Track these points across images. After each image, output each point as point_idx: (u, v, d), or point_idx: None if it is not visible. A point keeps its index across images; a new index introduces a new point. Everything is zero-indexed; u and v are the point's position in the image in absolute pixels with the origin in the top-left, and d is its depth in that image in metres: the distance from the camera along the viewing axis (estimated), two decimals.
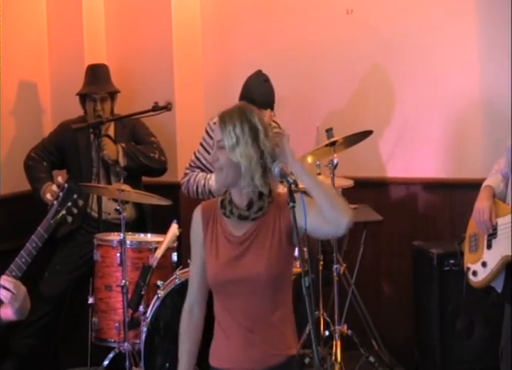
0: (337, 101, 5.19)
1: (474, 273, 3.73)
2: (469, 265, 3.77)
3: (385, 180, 5.15)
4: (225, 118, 2.82)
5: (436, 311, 4.50)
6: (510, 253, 3.54)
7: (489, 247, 3.66)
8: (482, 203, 3.70)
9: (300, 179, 2.75)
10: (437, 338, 4.50)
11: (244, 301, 2.80)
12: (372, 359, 4.54)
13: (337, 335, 4.43)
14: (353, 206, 4.77)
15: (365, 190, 5.02)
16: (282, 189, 3.99)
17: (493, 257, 3.62)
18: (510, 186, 3.70)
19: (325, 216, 2.73)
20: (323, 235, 2.99)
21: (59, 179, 3.00)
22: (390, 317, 5.10)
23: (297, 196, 2.71)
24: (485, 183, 3.78)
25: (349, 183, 4.62)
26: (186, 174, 4.51)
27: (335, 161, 4.39)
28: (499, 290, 3.67)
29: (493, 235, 3.65)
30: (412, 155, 5.06)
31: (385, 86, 5.10)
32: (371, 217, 4.79)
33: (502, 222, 3.62)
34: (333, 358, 4.40)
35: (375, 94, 5.15)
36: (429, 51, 4.97)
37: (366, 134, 4.61)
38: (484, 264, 3.66)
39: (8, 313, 2.93)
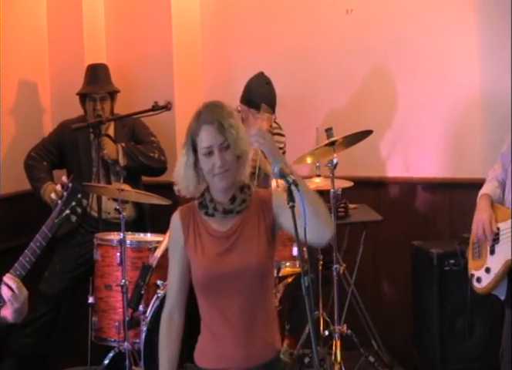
0: (337, 101, 5.20)
1: (478, 279, 3.72)
2: (473, 272, 3.76)
3: (384, 180, 5.16)
4: (217, 119, 2.83)
5: (436, 310, 4.50)
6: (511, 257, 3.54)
7: (492, 252, 3.65)
8: (481, 214, 3.69)
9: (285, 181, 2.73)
10: (437, 338, 4.51)
11: (234, 296, 2.82)
12: (371, 359, 4.54)
13: (336, 335, 4.43)
14: (353, 206, 4.80)
15: (365, 190, 5.02)
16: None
17: (496, 262, 3.61)
18: (507, 192, 3.69)
19: (308, 222, 2.60)
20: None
21: (64, 178, 3.01)
22: (390, 317, 5.10)
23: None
24: (482, 192, 3.77)
25: (349, 183, 4.62)
26: None
27: (335, 161, 4.39)
28: (502, 297, 3.67)
29: (495, 240, 3.64)
30: (412, 155, 5.07)
31: (385, 86, 5.10)
32: (370, 217, 4.79)
33: (503, 227, 3.61)
34: (333, 357, 4.40)
35: (375, 94, 5.15)
36: (430, 51, 4.97)
37: (366, 134, 4.60)
38: (488, 270, 3.65)
39: (5, 313, 2.93)
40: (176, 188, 2.93)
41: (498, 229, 3.63)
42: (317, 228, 2.70)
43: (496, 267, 3.60)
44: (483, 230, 3.63)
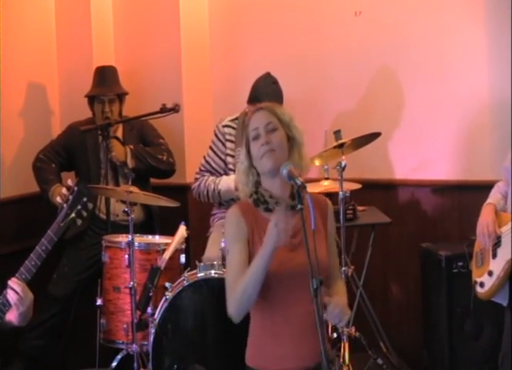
0: (346, 103, 5.19)
1: (481, 284, 3.72)
2: (476, 279, 3.77)
3: (393, 182, 5.15)
4: (269, 106, 2.92)
5: (445, 312, 4.49)
6: None
7: (494, 256, 3.66)
8: (484, 218, 3.73)
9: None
10: (445, 340, 4.50)
11: (298, 295, 2.77)
12: (380, 361, 4.53)
13: (345, 337, 4.42)
14: (361, 208, 4.80)
15: (374, 192, 5.02)
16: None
17: (498, 265, 3.61)
18: (509, 199, 3.71)
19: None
20: None
21: (69, 182, 3.01)
22: (398, 319, 5.09)
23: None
24: (486, 202, 3.81)
25: (357, 186, 4.62)
26: (196, 179, 4.52)
27: (343, 163, 4.38)
28: (504, 303, 3.67)
29: (497, 244, 3.65)
30: (421, 157, 5.05)
31: (394, 88, 5.09)
32: (379, 219, 4.79)
33: (505, 229, 3.64)
34: (341, 360, 4.39)
35: (384, 96, 5.14)
36: (438, 52, 4.96)
37: (374, 136, 4.60)
38: (490, 273, 3.66)
39: (10, 316, 2.94)
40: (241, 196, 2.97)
41: (500, 232, 3.65)
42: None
43: (499, 269, 3.60)
44: (487, 230, 3.66)
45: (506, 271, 3.58)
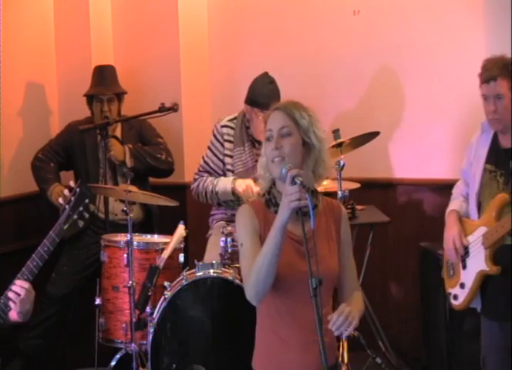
0: (345, 102, 5.19)
1: (455, 297, 3.72)
2: (449, 290, 3.77)
3: (392, 181, 5.15)
4: (287, 106, 2.82)
5: (443, 311, 4.49)
6: (484, 268, 3.52)
7: (464, 267, 3.64)
8: (450, 230, 3.71)
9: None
10: (444, 339, 4.50)
11: (307, 301, 2.66)
12: (378, 360, 4.54)
13: (344, 336, 4.42)
14: (360, 207, 4.79)
15: (373, 191, 5.02)
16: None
17: (469, 276, 3.61)
18: (471, 202, 3.69)
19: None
20: None
21: (71, 183, 3.01)
22: (397, 319, 5.10)
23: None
24: (449, 209, 3.79)
25: (356, 185, 4.61)
26: (195, 180, 4.51)
27: (342, 162, 4.38)
28: (478, 308, 3.66)
29: (466, 255, 3.64)
30: (420, 156, 5.05)
31: (393, 87, 5.09)
32: (378, 218, 4.78)
33: (472, 239, 3.61)
34: (340, 359, 4.39)
35: (383, 95, 5.14)
36: (437, 51, 4.96)
37: (373, 135, 4.60)
38: (462, 285, 3.65)
39: (14, 315, 2.95)
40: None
41: (468, 242, 3.63)
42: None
43: (470, 280, 3.59)
44: (454, 245, 3.63)
45: (477, 283, 3.57)
